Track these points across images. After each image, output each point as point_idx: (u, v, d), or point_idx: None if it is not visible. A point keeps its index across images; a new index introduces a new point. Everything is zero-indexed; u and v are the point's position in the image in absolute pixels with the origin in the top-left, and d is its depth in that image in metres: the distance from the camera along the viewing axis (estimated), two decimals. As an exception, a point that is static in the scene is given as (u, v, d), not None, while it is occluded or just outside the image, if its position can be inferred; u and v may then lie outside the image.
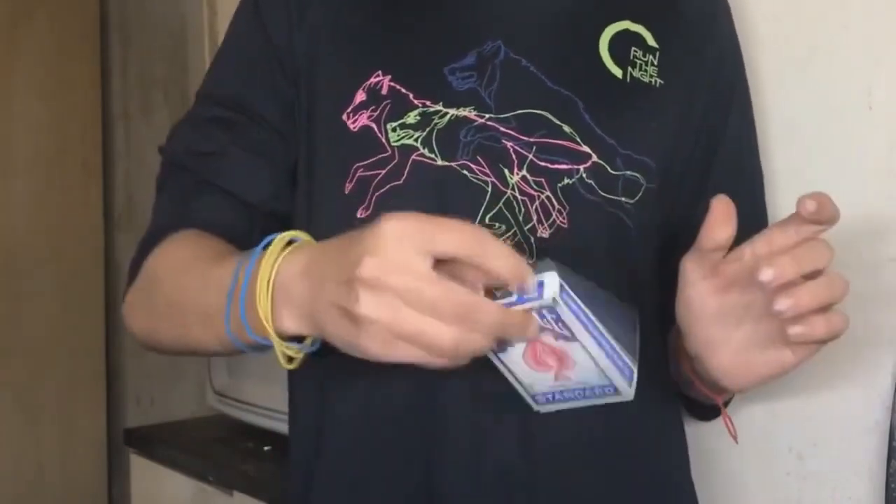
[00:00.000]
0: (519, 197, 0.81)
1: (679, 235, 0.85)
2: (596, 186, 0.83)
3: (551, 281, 0.63)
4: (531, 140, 0.82)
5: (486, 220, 0.81)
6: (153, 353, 0.92)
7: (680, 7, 0.91)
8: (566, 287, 0.64)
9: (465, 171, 0.81)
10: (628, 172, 0.84)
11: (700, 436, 1.02)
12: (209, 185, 0.88)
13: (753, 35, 1.03)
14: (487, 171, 0.81)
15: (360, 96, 0.83)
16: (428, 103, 0.82)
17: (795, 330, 0.66)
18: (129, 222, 2.64)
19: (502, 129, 0.82)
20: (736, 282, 0.68)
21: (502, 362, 0.70)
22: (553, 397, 0.73)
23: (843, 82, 0.99)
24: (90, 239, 2.60)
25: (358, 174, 0.82)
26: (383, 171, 0.82)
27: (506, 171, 0.81)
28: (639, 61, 0.87)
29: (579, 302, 0.64)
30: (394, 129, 0.82)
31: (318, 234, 0.84)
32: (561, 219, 0.82)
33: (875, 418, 0.96)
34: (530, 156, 0.82)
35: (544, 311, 0.65)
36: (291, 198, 0.89)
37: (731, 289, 0.69)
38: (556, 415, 0.81)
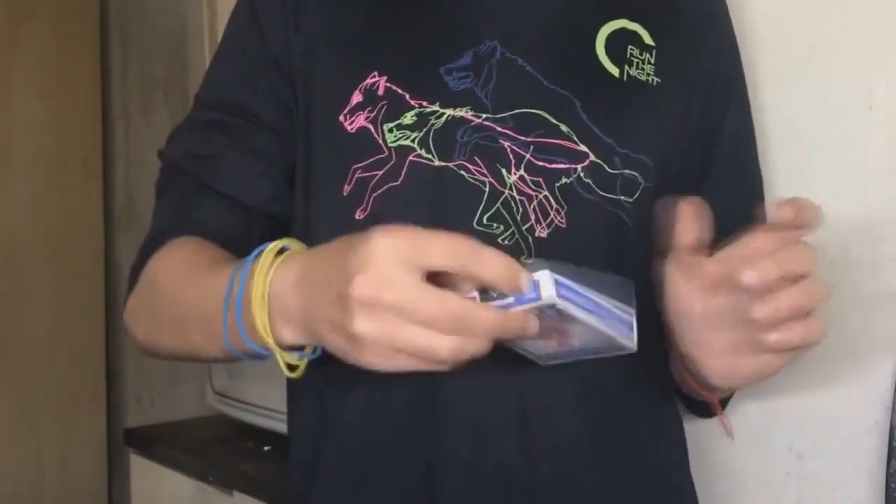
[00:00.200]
0: (517, 197, 0.81)
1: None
2: (594, 186, 0.83)
3: (546, 280, 0.63)
4: (528, 140, 0.82)
5: (484, 221, 0.81)
6: (154, 354, 0.92)
7: (677, 6, 0.91)
8: (561, 280, 0.63)
9: (462, 172, 0.81)
10: (626, 171, 0.84)
11: (700, 436, 1.02)
12: (208, 189, 0.88)
13: (753, 35, 1.03)
14: (485, 171, 0.81)
15: (357, 97, 0.83)
16: (424, 104, 0.82)
17: (772, 338, 0.66)
18: (129, 222, 2.64)
19: (499, 128, 0.82)
20: (721, 284, 0.68)
21: None
22: (558, 356, 0.73)
23: (843, 82, 0.99)
24: (90, 239, 2.60)
25: (356, 176, 0.82)
26: (380, 172, 0.82)
27: (503, 170, 0.81)
28: (636, 60, 0.87)
29: (576, 289, 0.64)
30: (390, 130, 0.82)
31: (317, 236, 0.84)
32: (559, 218, 0.81)
33: (875, 418, 0.96)
34: (528, 155, 0.82)
35: (543, 307, 0.64)
36: (291, 199, 0.89)
37: (717, 291, 0.69)
38: (556, 415, 0.81)
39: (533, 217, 0.81)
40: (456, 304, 0.60)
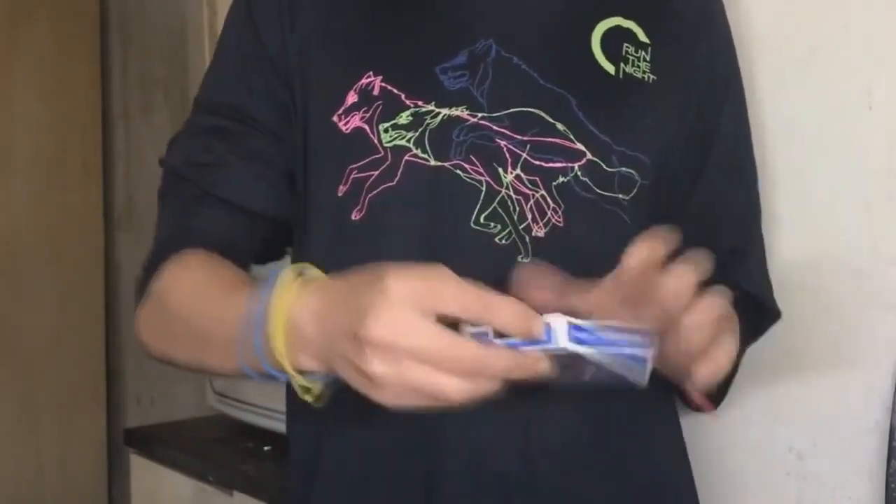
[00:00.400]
0: (513, 196, 0.81)
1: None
2: (591, 184, 0.82)
3: (559, 325, 0.62)
4: (525, 138, 0.82)
5: (481, 220, 0.81)
6: (153, 354, 0.92)
7: (672, 5, 0.91)
8: (575, 322, 0.63)
9: (458, 171, 0.81)
10: (623, 169, 0.84)
11: (700, 436, 1.02)
12: (209, 196, 0.88)
13: (753, 34, 1.03)
14: (481, 170, 0.81)
15: (352, 97, 0.83)
16: (420, 103, 0.82)
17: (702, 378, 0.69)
18: (129, 222, 2.64)
19: (495, 127, 0.82)
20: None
21: None
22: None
23: (843, 82, 0.99)
24: (90, 239, 2.60)
25: (352, 176, 0.82)
26: (376, 173, 0.81)
27: (500, 170, 0.81)
28: (631, 57, 0.87)
29: (590, 330, 0.63)
30: (386, 130, 0.82)
31: (314, 237, 0.84)
32: (556, 217, 0.81)
33: (875, 418, 0.96)
34: (524, 154, 0.82)
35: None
36: (292, 200, 0.89)
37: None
38: (556, 416, 0.81)
39: (530, 216, 0.81)
40: (471, 351, 0.60)
